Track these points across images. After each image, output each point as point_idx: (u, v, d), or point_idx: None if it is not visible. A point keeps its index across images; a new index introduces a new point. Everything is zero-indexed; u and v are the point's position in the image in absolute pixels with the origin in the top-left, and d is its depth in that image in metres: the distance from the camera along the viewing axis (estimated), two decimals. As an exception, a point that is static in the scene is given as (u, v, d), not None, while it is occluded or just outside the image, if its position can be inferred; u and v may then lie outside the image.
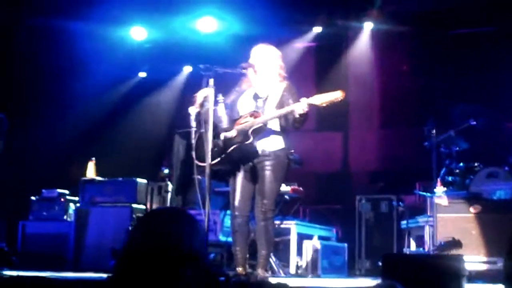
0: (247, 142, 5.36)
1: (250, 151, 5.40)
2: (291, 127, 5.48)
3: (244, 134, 5.38)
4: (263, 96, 5.54)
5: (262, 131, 5.41)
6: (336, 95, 5.23)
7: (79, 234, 8.76)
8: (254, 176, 5.46)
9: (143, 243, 2.31)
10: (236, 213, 5.48)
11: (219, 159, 5.33)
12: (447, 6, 9.80)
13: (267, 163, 5.41)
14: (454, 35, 10.22)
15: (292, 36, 10.79)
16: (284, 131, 5.52)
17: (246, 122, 5.44)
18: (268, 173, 5.40)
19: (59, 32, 10.07)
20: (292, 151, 6.87)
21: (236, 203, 5.47)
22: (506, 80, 9.52)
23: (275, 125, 5.49)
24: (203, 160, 5.22)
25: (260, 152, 5.42)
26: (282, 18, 10.17)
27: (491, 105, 8.57)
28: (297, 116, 5.28)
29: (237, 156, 5.41)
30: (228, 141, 5.44)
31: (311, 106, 5.25)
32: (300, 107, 5.24)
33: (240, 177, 5.49)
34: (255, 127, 5.37)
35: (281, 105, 5.45)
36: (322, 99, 5.24)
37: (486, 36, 9.93)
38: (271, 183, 5.41)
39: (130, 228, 7.88)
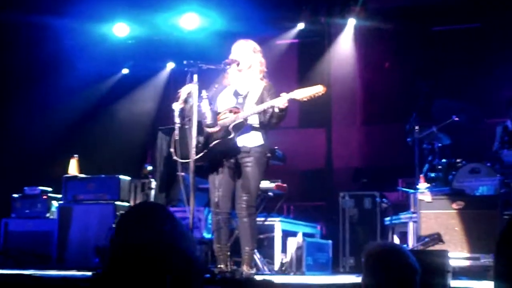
0: (228, 138, 5.37)
1: (232, 147, 5.41)
2: (268, 122, 5.48)
3: (225, 129, 5.40)
4: (243, 93, 5.56)
5: (242, 127, 5.43)
6: (317, 89, 5.27)
7: (62, 232, 8.68)
8: (235, 173, 5.47)
9: (127, 238, 2.31)
10: (217, 210, 5.47)
11: (201, 154, 5.33)
12: (430, 3, 9.86)
13: (247, 159, 5.43)
14: (437, 31, 10.29)
15: (274, 33, 10.80)
16: (264, 128, 5.54)
17: (226, 118, 5.46)
18: (248, 169, 5.42)
19: (41, 28, 9.99)
20: (276, 147, 6.94)
21: (217, 200, 5.46)
22: (486, 76, 9.61)
23: (255, 121, 5.51)
24: (184, 157, 5.26)
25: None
26: (264, 14, 10.17)
27: (472, 101, 8.60)
28: (277, 111, 5.30)
29: (219, 152, 5.42)
30: (209, 137, 5.44)
31: (292, 101, 5.27)
32: (280, 101, 5.27)
33: (221, 174, 5.48)
34: (235, 122, 5.40)
35: (260, 102, 5.47)
36: (303, 93, 5.28)
37: (468, 32, 10.01)
38: (252, 180, 5.42)
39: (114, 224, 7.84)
